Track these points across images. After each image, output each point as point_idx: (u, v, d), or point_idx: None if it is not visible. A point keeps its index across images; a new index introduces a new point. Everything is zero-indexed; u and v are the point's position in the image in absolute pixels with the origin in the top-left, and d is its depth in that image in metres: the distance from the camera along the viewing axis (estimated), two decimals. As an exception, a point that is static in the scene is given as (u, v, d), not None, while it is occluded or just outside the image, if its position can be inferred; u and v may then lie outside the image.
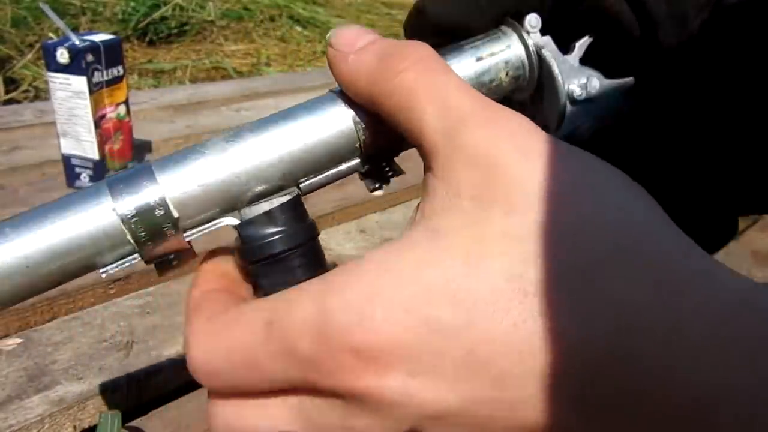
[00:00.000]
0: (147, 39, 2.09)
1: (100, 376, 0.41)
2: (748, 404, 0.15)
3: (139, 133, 0.80)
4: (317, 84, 1.18)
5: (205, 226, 0.21)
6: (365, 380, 0.17)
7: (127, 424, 0.38)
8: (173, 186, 0.20)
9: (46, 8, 0.66)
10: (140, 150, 0.77)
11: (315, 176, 0.22)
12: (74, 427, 0.39)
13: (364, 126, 0.21)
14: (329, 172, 0.22)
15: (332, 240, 0.62)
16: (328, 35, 0.21)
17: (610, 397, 0.16)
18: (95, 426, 0.36)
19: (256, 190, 0.21)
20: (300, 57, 2.10)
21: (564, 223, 0.17)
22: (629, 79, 0.25)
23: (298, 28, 2.33)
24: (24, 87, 1.55)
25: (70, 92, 0.63)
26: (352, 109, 0.21)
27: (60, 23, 0.64)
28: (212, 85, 1.18)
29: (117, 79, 0.66)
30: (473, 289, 0.17)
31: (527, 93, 0.25)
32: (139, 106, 0.95)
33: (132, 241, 0.20)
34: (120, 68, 0.66)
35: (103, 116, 0.65)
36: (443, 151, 0.19)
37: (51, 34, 1.80)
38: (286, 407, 0.19)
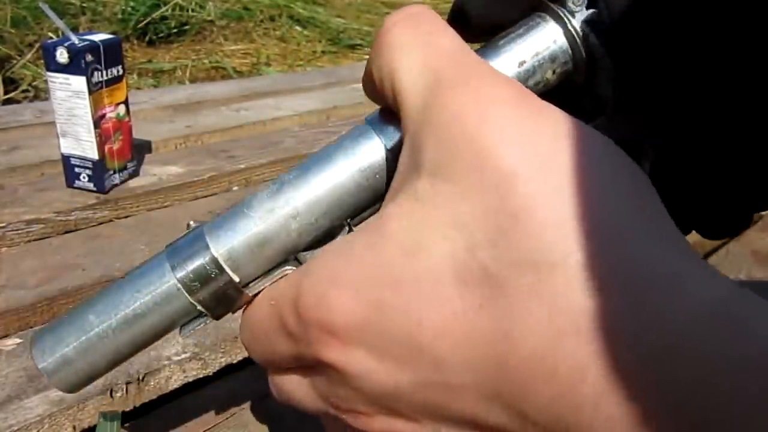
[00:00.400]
0: (147, 39, 2.09)
1: (99, 376, 0.41)
2: None
3: (139, 133, 0.80)
4: (317, 84, 1.18)
5: (268, 277, 0.22)
6: (332, 352, 0.18)
7: (126, 424, 0.38)
8: (229, 254, 0.21)
9: (46, 8, 0.66)
10: (140, 150, 0.77)
11: (364, 212, 0.22)
12: (74, 427, 0.39)
13: (397, 151, 0.20)
14: (378, 205, 0.22)
15: (332, 240, 0.63)
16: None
17: (543, 406, 0.15)
18: (95, 426, 0.36)
19: (308, 240, 0.21)
20: (300, 57, 2.09)
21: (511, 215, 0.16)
22: None
23: (298, 28, 2.33)
24: (23, 87, 1.55)
25: (69, 92, 0.62)
26: (385, 141, 0.21)
27: (59, 23, 0.64)
28: (212, 85, 1.18)
29: (117, 79, 0.66)
30: (414, 275, 0.17)
31: (575, 79, 0.22)
32: (139, 106, 0.95)
33: (203, 310, 0.22)
34: (120, 68, 0.66)
35: (103, 116, 0.65)
36: (415, 116, 0.18)
37: (50, 34, 1.80)
38: (299, 382, 0.21)
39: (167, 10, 2.14)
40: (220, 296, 0.21)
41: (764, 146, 0.23)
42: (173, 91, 1.11)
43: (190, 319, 0.23)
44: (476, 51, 0.21)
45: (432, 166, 0.17)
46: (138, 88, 1.62)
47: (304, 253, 0.21)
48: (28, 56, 1.65)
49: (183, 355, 0.44)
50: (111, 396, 0.40)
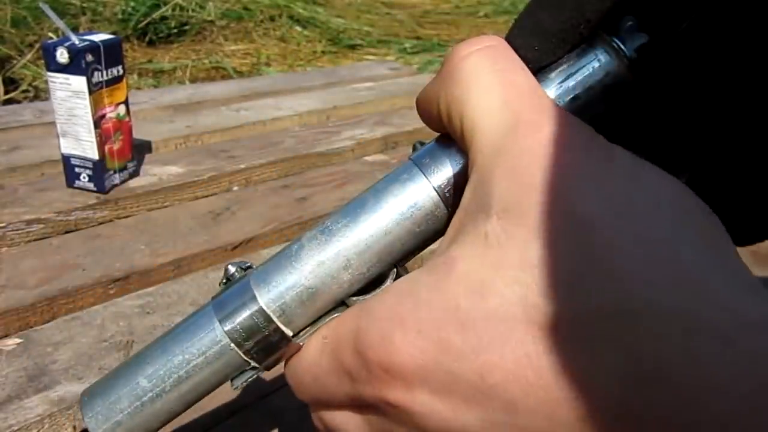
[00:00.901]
0: (147, 39, 2.09)
1: (100, 376, 0.41)
2: None
3: (139, 133, 0.80)
4: (317, 84, 1.18)
5: (317, 325, 0.22)
6: (396, 392, 0.18)
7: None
8: (282, 310, 0.21)
9: (46, 8, 0.66)
10: (140, 150, 0.77)
11: (413, 256, 0.22)
12: (74, 427, 0.39)
13: (448, 193, 0.20)
14: (427, 249, 0.21)
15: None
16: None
17: None
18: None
19: (357, 287, 0.21)
20: (300, 57, 2.09)
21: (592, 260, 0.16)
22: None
23: (298, 28, 2.33)
24: (24, 87, 1.55)
25: (69, 92, 0.62)
26: (432, 180, 0.20)
27: (60, 23, 0.64)
28: (212, 85, 1.18)
29: (117, 79, 0.66)
30: (484, 316, 0.17)
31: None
32: (139, 106, 0.95)
33: (256, 365, 0.22)
34: (120, 68, 0.66)
35: (103, 116, 0.65)
36: (489, 155, 0.18)
37: (51, 34, 1.80)
38: (351, 419, 0.21)
39: (167, 11, 2.14)
40: (270, 348, 0.21)
41: None
42: (173, 91, 1.11)
43: (241, 371, 0.22)
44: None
45: (503, 208, 0.17)
46: (138, 88, 1.62)
47: (353, 298, 0.21)
48: (29, 56, 1.65)
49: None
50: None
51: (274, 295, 0.21)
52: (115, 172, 0.68)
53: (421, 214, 0.20)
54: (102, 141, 0.65)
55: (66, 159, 0.66)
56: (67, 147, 0.66)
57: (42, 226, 0.60)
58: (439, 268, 0.18)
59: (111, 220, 0.65)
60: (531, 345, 0.16)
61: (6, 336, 0.46)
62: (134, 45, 2.04)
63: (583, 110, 0.20)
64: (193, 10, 2.24)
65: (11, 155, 0.75)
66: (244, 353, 0.21)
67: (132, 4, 2.13)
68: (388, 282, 0.21)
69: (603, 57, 0.20)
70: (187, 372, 0.22)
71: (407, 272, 0.21)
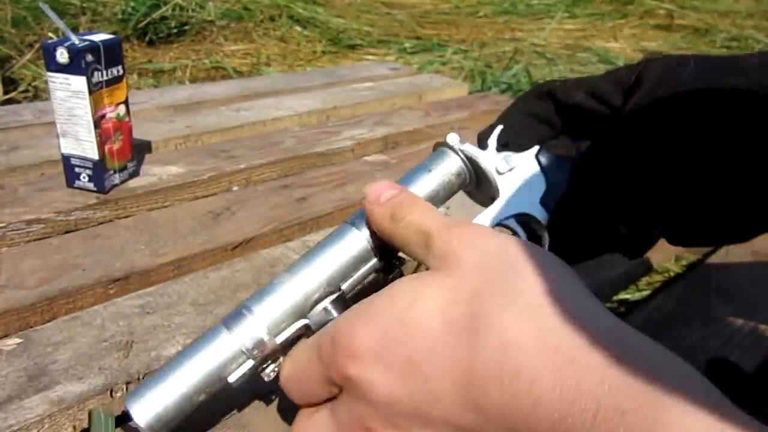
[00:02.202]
0: (147, 39, 2.09)
1: (99, 376, 0.41)
2: None
3: (139, 133, 0.80)
4: (317, 84, 1.18)
5: (288, 330, 0.32)
6: (354, 369, 0.27)
7: (126, 424, 0.38)
8: (266, 317, 0.32)
9: (46, 8, 0.66)
10: (140, 150, 0.77)
11: (350, 278, 0.33)
12: (74, 427, 0.39)
13: (372, 242, 0.33)
14: (358, 273, 0.33)
15: (332, 240, 0.62)
16: (364, 189, 0.33)
17: (494, 406, 0.24)
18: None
19: (314, 299, 0.32)
20: (300, 57, 2.09)
21: (477, 286, 0.26)
22: (536, 147, 0.37)
23: (298, 28, 2.33)
24: (23, 87, 1.55)
25: (69, 92, 0.62)
26: (363, 231, 0.33)
27: (59, 23, 0.63)
28: (212, 85, 1.18)
29: (117, 79, 0.66)
30: (413, 315, 0.27)
31: (472, 185, 0.37)
32: (139, 106, 0.95)
33: (249, 359, 0.32)
34: (120, 68, 0.66)
35: (103, 116, 0.65)
36: (429, 265, 0.30)
37: (51, 34, 1.79)
38: (326, 412, 0.30)
39: (167, 11, 2.14)
40: (260, 347, 0.32)
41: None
42: (173, 91, 1.11)
43: (237, 369, 0.32)
44: (412, 176, 0.37)
45: (437, 265, 0.29)
46: (138, 88, 1.62)
47: (311, 311, 0.33)
48: (28, 56, 1.65)
49: (183, 355, 0.44)
50: (111, 396, 0.40)
51: (263, 310, 0.32)
52: (115, 172, 0.68)
53: (349, 253, 0.33)
54: (102, 141, 0.65)
55: (66, 159, 0.66)
56: (66, 147, 0.66)
57: (42, 226, 0.60)
58: (387, 289, 0.28)
59: (111, 220, 0.65)
60: (445, 335, 0.25)
61: (6, 336, 0.46)
62: (134, 45, 2.04)
63: (449, 188, 0.37)
64: (193, 10, 2.24)
65: (11, 155, 0.75)
66: (244, 352, 0.32)
67: (132, 4, 2.13)
68: (333, 297, 0.33)
69: (451, 158, 0.36)
70: (210, 373, 0.32)
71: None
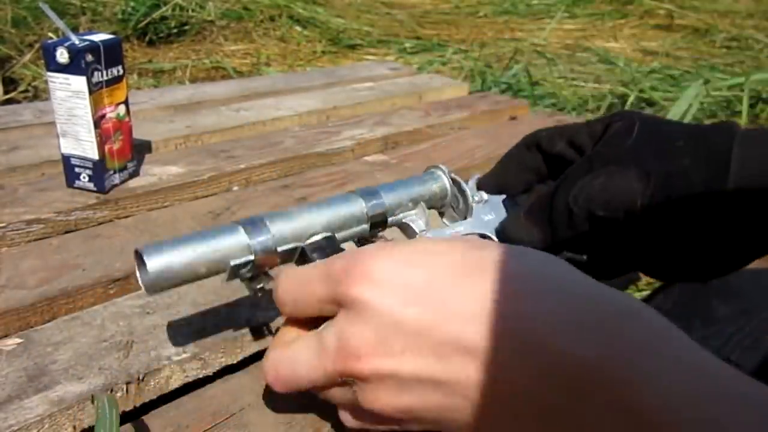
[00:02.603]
0: (147, 39, 2.09)
1: (99, 376, 0.41)
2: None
3: (139, 133, 0.80)
4: (317, 84, 1.18)
5: (286, 245, 0.38)
6: (365, 292, 0.28)
7: (126, 424, 0.38)
8: (275, 230, 0.38)
9: (46, 8, 0.66)
10: (140, 150, 0.77)
11: (342, 231, 0.41)
12: (74, 427, 0.39)
13: (368, 213, 0.41)
14: (350, 230, 0.41)
15: (332, 240, 0.62)
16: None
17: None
18: (93, 427, 0.36)
19: (312, 231, 0.39)
20: (300, 57, 2.09)
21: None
22: (503, 195, 0.45)
23: (298, 28, 2.33)
24: (23, 87, 1.55)
25: (69, 92, 0.62)
26: (363, 202, 0.41)
27: (59, 23, 0.63)
28: (212, 85, 1.18)
29: (117, 79, 0.66)
30: (439, 251, 0.30)
31: (449, 203, 0.45)
32: (139, 106, 0.95)
33: (250, 254, 0.37)
34: (120, 68, 0.66)
35: (103, 116, 0.65)
36: None
37: (50, 34, 1.79)
38: (311, 337, 0.31)
39: (167, 10, 2.14)
40: (266, 250, 0.37)
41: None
42: (173, 91, 1.11)
43: (240, 259, 0.36)
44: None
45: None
46: (138, 88, 1.62)
47: (307, 241, 0.39)
48: (28, 56, 1.64)
49: (183, 355, 0.44)
50: (111, 396, 0.40)
51: (276, 225, 0.38)
52: (115, 172, 0.68)
53: (351, 209, 0.41)
54: (102, 141, 0.65)
55: (66, 159, 0.66)
56: (66, 147, 0.66)
57: (42, 226, 0.60)
58: (400, 243, 0.31)
59: (111, 220, 0.65)
60: (461, 268, 0.29)
61: (6, 336, 0.46)
62: (134, 45, 2.04)
63: (432, 201, 0.45)
64: (193, 10, 2.24)
65: (11, 155, 0.75)
66: (252, 249, 0.37)
67: (132, 4, 2.13)
68: (324, 234, 0.39)
69: (442, 177, 0.46)
70: (217, 250, 0.36)
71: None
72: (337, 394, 0.31)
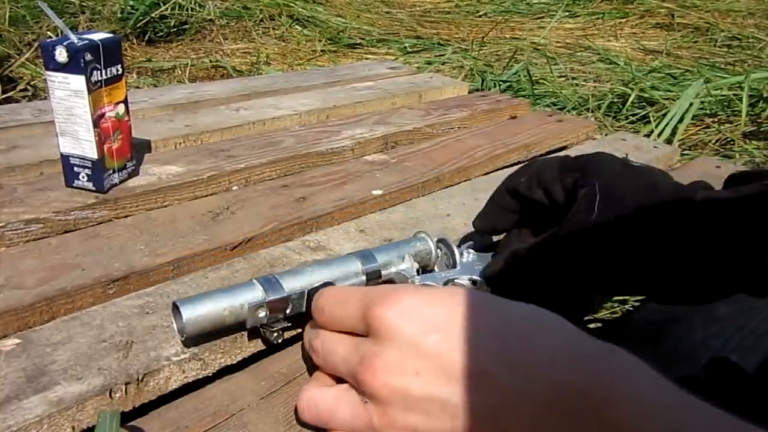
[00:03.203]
0: (146, 38, 2.09)
1: (99, 376, 0.41)
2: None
3: (139, 133, 0.80)
4: (317, 83, 1.18)
5: (294, 293, 0.45)
6: (389, 314, 0.33)
7: (126, 424, 0.38)
8: (287, 284, 0.45)
9: (45, 7, 0.65)
10: (139, 149, 0.76)
11: (342, 282, 0.47)
12: (73, 427, 0.39)
13: (364, 269, 0.49)
14: (349, 281, 0.48)
15: (331, 240, 0.62)
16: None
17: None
18: (94, 427, 0.36)
19: (316, 282, 0.46)
20: (299, 56, 2.09)
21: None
22: (490, 254, 0.51)
23: (298, 27, 2.33)
24: (22, 86, 1.55)
25: (68, 91, 0.62)
26: (359, 264, 0.49)
27: (58, 22, 0.63)
28: (212, 84, 1.18)
29: (116, 78, 0.66)
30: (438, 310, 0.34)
31: (437, 261, 0.53)
32: (138, 105, 0.95)
33: (265, 302, 0.44)
34: (119, 67, 0.66)
35: (102, 115, 0.65)
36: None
37: (49, 33, 1.79)
38: (351, 343, 0.35)
39: (167, 9, 2.14)
40: (280, 308, 0.45)
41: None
42: (173, 90, 1.11)
43: (257, 317, 0.44)
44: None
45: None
46: (137, 88, 1.62)
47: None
48: (27, 55, 1.64)
49: (182, 356, 0.44)
50: (110, 396, 0.40)
51: (288, 283, 0.45)
52: (114, 172, 0.68)
53: (350, 269, 0.49)
54: (101, 140, 0.65)
55: (65, 158, 0.66)
56: (65, 146, 0.65)
57: (41, 225, 0.60)
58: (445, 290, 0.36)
59: (110, 220, 0.65)
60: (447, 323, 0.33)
61: (5, 336, 0.45)
62: (133, 44, 2.04)
63: (421, 260, 0.53)
64: (192, 9, 2.23)
65: (9, 154, 0.75)
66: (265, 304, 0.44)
67: (131, 2, 2.13)
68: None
69: (428, 241, 0.54)
70: (239, 308, 0.44)
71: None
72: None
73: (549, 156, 0.53)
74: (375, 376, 0.32)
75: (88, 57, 0.61)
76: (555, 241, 0.42)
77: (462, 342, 0.30)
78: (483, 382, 0.30)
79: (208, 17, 2.23)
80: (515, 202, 0.49)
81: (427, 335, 0.31)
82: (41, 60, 0.65)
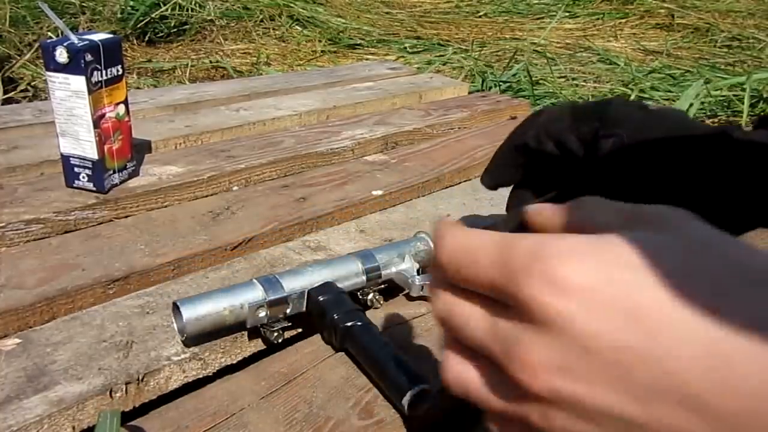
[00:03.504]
0: (146, 38, 2.09)
1: (99, 376, 0.41)
2: None
3: (139, 133, 0.80)
4: (317, 84, 1.18)
5: (294, 293, 0.47)
6: (549, 297, 0.22)
7: (126, 424, 0.38)
8: (287, 283, 0.46)
9: (45, 7, 0.66)
10: (140, 150, 0.76)
11: (343, 282, 0.49)
12: (73, 427, 0.39)
13: (364, 269, 0.50)
14: (350, 282, 0.49)
15: (331, 240, 0.62)
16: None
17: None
18: (94, 426, 0.36)
19: (317, 280, 0.48)
20: (300, 56, 2.09)
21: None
22: None
23: (298, 28, 2.33)
24: (23, 86, 1.55)
25: (69, 92, 0.62)
26: (360, 263, 0.50)
27: (59, 22, 0.63)
28: (212, 85, 1.18)
29: (116, 79, 0.66)
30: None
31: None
32: (139, 106, 0.95)
33: (265, 299, 0.45)
34: (119, 68, 0.66)
35: (102, 116, 0.65)
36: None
37: (50, 34, 1.79)
38: (476, 312, 0.25)
39: (167, 10, 2.14)
40: (279, 308, 0.46)
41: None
42: (173, 90, 1.11)
43: (257, 314, 0.45)
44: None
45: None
46: (137, 88, 1.62)
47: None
48: (28, 56, 1.64)
49: (183, 356, 0.44)
50: (111, 396, 0.40)
51: (288, 283, 0.47)
52: (114, 172, 0.68)
53: (351, 267, 0.50)
54: (101, 141, 0.65)
55: (65, 159, 0.66)
56: (66, 147, 0.66)
57: (41, 226, 0.60)
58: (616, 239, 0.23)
59: (110, 220, 0.65)
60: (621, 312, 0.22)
61: (5, 336, 0.45)
62: (134, 44, 2.04)
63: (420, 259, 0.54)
64: (192, 10, 2.24)
65: (10, 155, 0.75)
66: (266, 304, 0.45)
67: (131, 3, 2.13)
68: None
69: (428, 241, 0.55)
70: (239, 306, 0.45)
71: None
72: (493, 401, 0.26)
73: (556, 104, 0.49)
74: (534, 376, 0.23)
75: (89, 57, 0.61)
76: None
77: (656, 346, 0.21)
78: (698, 412, 0.20)
79: (209, 18, 2.23)
80: (523, 157, 0.43)
81: (605, 330, 0.21)
82: (42, 61, 0.65)
